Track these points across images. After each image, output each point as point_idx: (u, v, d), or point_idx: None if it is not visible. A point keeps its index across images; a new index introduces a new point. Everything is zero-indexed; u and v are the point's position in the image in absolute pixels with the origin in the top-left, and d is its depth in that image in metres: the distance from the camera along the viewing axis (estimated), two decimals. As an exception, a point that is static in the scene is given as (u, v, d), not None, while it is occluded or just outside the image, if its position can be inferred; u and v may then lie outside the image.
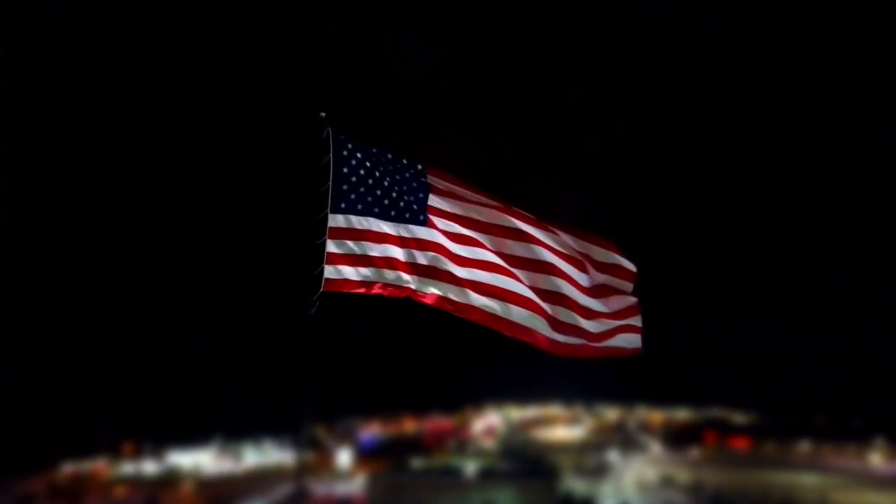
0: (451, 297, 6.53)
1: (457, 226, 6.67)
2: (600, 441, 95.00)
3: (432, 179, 6.66)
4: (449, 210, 6.64)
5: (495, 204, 6.75)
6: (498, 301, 6.56)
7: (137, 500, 71.50)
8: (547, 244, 6.80)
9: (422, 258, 6.50)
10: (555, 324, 6.71)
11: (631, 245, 6.97)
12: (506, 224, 6.75)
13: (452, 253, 6.58)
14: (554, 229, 6.88)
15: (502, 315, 6.56)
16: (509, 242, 6.74)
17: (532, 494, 68.53)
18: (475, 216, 6.72)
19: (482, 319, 6.54)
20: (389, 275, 6.38)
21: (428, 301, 6.52)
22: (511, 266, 6.68)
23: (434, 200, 6.61)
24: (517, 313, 6.59)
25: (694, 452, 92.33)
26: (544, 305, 6.68)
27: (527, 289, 6.67)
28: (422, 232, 6.52)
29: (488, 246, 6.69)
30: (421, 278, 6.48)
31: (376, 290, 6.39)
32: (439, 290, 6.52)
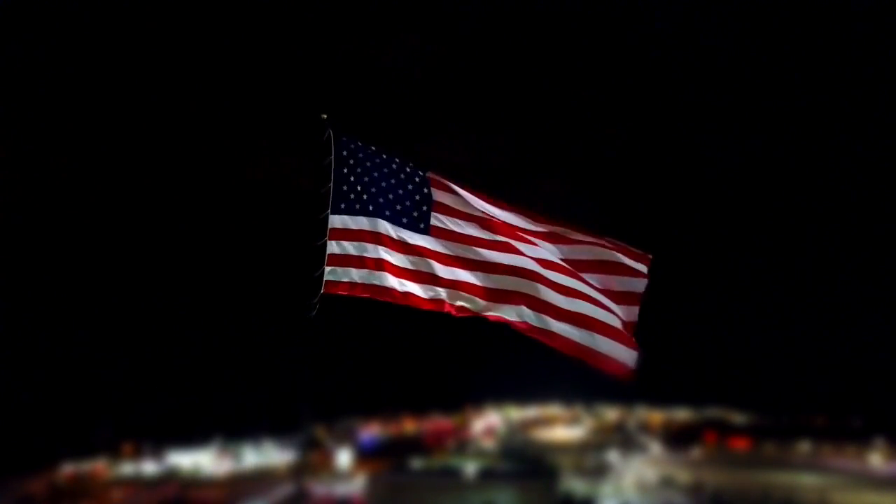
0: (463, 305, 6.45)
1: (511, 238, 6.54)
2: (600, 441, 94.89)
3: (437, 190, 6.54)
4: (460, 231, 6.52)
5: (561, 231, 6.66)
6: (579, 328, 6.42)
7: (164, 499, 71.32)
8: (640, 272, 6.70)
9: (419, 264, 6.42)
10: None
11: (631, 244, 6.96)
12: (597, 257, 6.64)
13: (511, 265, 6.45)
14: (631, 249, 6.77)
15: (580, 342, 6.41)
16: (613, 277, 6.63)
17: (532, 494, 68.41)
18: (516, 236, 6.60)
19: (561, 345, 6.42)
20: (387, 278, 6.32)
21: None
22: (604, 296, 6.58)
23: (440, 213, 6.51)
24: (602, 343, 6.43)
25: (694, 453, 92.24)
26: (630, 335, 6.60)
27: (614, 318, 6.56)
28: (420, 239, 6.44)
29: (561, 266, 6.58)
30: (426, 286, 6.40)
31: (376, 293, 6.32)
32: (450, 298, 6.42)
